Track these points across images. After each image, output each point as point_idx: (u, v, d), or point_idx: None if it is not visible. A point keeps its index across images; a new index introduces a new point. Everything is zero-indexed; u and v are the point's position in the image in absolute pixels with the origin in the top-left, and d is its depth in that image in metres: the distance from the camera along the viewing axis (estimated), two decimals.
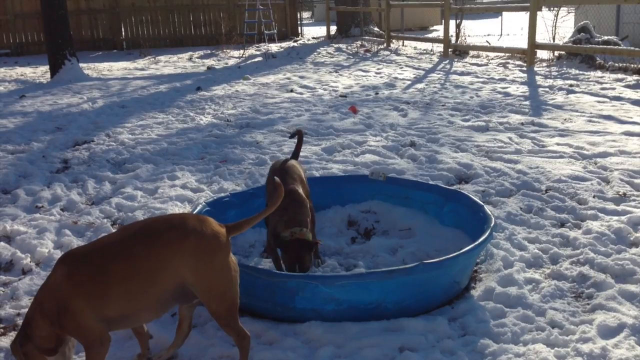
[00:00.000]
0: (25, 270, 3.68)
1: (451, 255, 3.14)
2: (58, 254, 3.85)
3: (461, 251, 3.19)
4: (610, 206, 4.45)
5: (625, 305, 3.14)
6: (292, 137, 4.44)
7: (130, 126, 7.78)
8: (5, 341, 2.92)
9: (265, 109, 8.63)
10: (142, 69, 14.50)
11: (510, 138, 6.52)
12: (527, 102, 8.48)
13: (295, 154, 4.10)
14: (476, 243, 3.28)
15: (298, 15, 22.45)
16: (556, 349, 2.79)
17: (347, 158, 5.95)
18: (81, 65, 14.81)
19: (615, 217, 4.23)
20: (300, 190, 3.57)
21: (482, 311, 3.15)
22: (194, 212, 3.79)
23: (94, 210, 4.68)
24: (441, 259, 3.12)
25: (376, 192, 4.47)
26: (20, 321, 3.08)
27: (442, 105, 8.57)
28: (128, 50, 19.54)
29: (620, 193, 4.70)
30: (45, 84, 11.88)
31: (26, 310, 3.15)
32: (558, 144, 6.19)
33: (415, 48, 16.90)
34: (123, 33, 20.24)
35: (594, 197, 4.64)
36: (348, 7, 20.30)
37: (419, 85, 10.57)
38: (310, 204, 3.66)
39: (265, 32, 18.84)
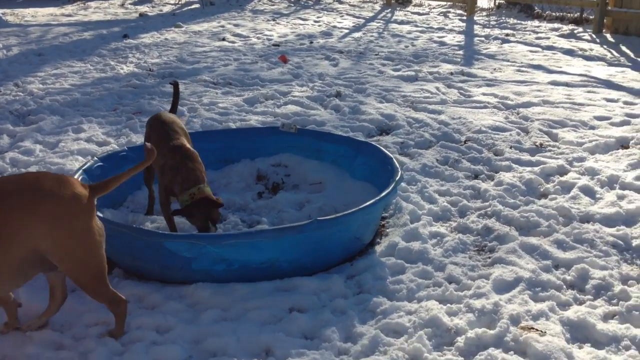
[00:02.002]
0: None
1: (348, 212, 2.99)
2: None
3: (359, 207, 3.04)
4: (526, 157, 4.38)
5: (524, 258, 3.06)
6: (171, 84, 4.01)
7: (43, 75, 7.29)
8: None
9: (192, 58, 8.23)
10: (69, 15, 13.70)
11: (437, 88, 6.38)
12: (460, 52, 8.35)
13: (174, 107, 3.86)
14: (376, 199, 3.13)
15: None
16: (448, 305, 2.69)
17: (268, 109, 5.70)
18: (3, 11, 13.94)
19: (529, 168, 4.16)
20: (186, 144, 3.33)
21: (381, 268, 3.02)
22: (83, 169, 3.52)
23: None
24: (336, 215, 2.96)
25: (288, 145, 4.27)
26: None
27: (376, 55, 8.36)
28: None
29: (537, 144, 4.64)
30: None
31: None
32: (484, 94, 6.09)
33: None
34: None
35: (510, 148, 4.56)
36: None
37: (356, 34, 10.30)
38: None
39: None
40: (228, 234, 2.90)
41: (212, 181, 4.06)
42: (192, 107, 5.82)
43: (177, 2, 15.67)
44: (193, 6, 15.05)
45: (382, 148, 3.92)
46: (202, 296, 2.76)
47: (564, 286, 2.85)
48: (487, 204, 3.68)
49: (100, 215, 2.92)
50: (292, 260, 2.92)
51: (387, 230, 3.48)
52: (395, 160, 3.66)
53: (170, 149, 3.24)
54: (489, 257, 3.13)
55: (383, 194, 3.21)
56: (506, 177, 4.03)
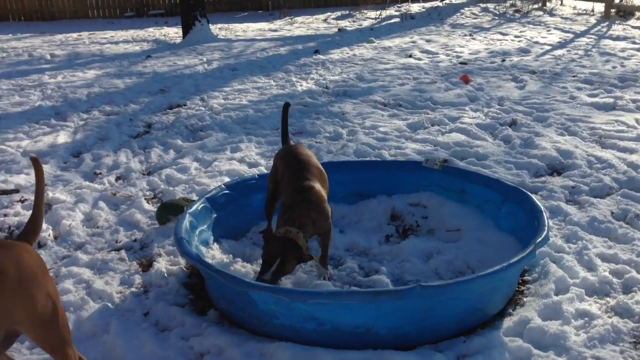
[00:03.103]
0: (41, 244, 3.62)
1: (461, 279, 2.52)
2: (79, 230, 3.75)
3: (479, 274, 2.55)
4: None
5: None
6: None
7: (228, 90, 7.65)
8: None
9: (370, 76, 8.06)
10: (276, 30, 14.45)
11: (637, 120, 5.40)
12: None
13: (284, 135, 3.58)
14: (504, 265, 2.60)
15: None
16: None
17: (429, 137, 5.28)
18: (219, 26, 15.19)
19: None
20: (318, 188, 3.02)
21: (500, 352, 2.49)
22: (206, 197, 3.46)
23: (142, 181, 4.55)
24: (445, 282, 2.51)
25: (430, 183, 3.84)
26: None
27: (573, 77, 7.42)
28: (272, 10, 19.63)
29: None
30: (176, 44, 12.24)
31: None
32: None
33: (574, 8, 15.08)
34: None
35: None
36: None
37: (558, 52, 9.32)
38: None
39: None
40: (316, 291, 2.60)
41: (343, 216, 3.81)
42: (352, 129, 5.62)
43: (377, 16, 15.72)
44: (393, 20, 14.97)
45: (532, 197, 3.31)
46: (282, 358, 2.49)
47: None
48: None
49: (196, 251, 2.81)
50: (391, 328, 2.54)
51: (524, 299, 2.90)
52: (545, 215, 3.06)
53: (298, 190, 2.98)
54: None
55: (515, 258, 2.67)
56: None
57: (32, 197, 4.21)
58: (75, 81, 8.61)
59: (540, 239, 2.80)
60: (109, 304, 2.91)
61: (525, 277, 3.06)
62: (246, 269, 3.17)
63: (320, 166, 3.26)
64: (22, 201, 4.23)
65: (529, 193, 3.39)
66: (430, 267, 3.20)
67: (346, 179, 3.91)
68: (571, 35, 11.02)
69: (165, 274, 3.16)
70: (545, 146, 4.82)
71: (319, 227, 2.95)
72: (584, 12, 14.31)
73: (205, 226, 3.39)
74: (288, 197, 3.00)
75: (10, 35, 15.19)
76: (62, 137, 5.77)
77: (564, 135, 5.14)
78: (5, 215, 3.98)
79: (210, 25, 12.97)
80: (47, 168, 4.91)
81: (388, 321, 2.53)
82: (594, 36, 10.84)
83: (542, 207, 3.17)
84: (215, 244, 3.40)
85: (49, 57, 11.06)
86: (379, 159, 4.68)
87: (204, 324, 2.73)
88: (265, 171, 4.58)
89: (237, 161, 4.90)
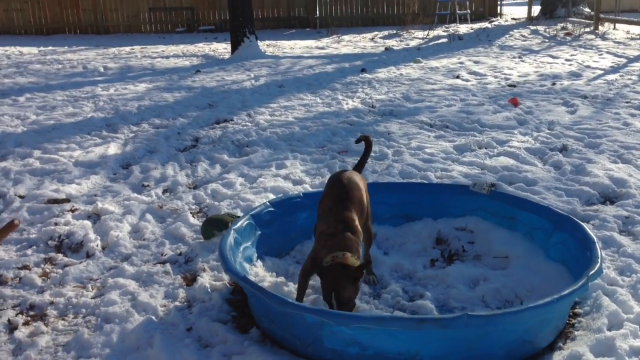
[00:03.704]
0: (89, 254, 3.68)
1: (510, 310, 2.45)
2: (125, 241, 3.81)
3: (529, 306, 2.47)
4: None
5: None
6: (357, 142, 3.65)
7: (274, 107, 7.72)
8: (25, 331, 2.87)
9: (417, 96, 8.02)
10: (323, 48, 14.56)
11: None
12: None
13: (360, 165, 3.46)
14: (555, 297, 2.52)
15: None
16: None
17: (476, 160, 5.19)
18: (267, 43, 15.40)
19: None
20: (356, 220, 2.97)
21: None
22: (251, 214, 3.47)
23: (188, 195, 4.61)
24: (494, 312, 2.44)
25: (477, 207, 3.76)
26: (51, 311, 3.04)
27: (626, 102, 7.22)
28: (320, 29, 19.81)
29: None
30: (225, 60, 12.44)
31: (62, 299, 3.13)
32: None
33: (628, 32, 14.75)
34: (317, 12, 20.58)
35: None
36: None
37: (611, 77, 9.10)
38: (369, 224, 3.13)
39: (457, 12, 17.86)
40: (360, 315, 2.56)
41: (387, 238, 3.78)
42: (398, 149, 5.57)
43: (425, 36, 15.67)
44: (440, 41, 14.90)
45: (584, 226, 3.21)
46: None
47: None
48: None
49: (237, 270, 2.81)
50: (435, 357, 2.48)
51: (575, 332, 2.80)
52: (597, 246, 2.96)
53: (338, 220, 2.93)
54: None
55: (567, 290, 2.58)
56: None
57: (84, 207, 4.33)
58: (126, 94, 8.83)
59: (593, 271, 2.71)
60: (153, 317, 2.93)
61: (576, 310, 2.95)
62: (289, 288, 3.16)
63: (363, 193, 3.16)
64: (72, 210, 4.32)
65: (580, 222, 3.29)
66: (477, 295, 3.13)
67: (392, 200, 3.88)
68: (624, 60, 10.76)
69: (209, 289, 3.17)
70: (597, 173, 4.69)
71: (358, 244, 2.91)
72: (638, 36, 13.98)
73: (250, 243, 3.40)
74: (330, 226, 2.93)
75: (66, 47, 15.72)
76: (113, 149, 5.90)
77: (617, 163, 4.99)
78: (56, 224, 4.07)
79: (258, 41, 13.15)
80: (97, 179, 5.03)
81: (433, 349, 2.47)
82: None
83: (594, 238, 3.06)
84: (258, 261, 3.40)
85: (102, 69, 11.39)
86: (425, 181, 4.62)
87: (246, 342, 2.72)
88: (310, 189, 4.59)
89: (282, 178, 4.91)
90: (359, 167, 3.43)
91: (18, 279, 3.38)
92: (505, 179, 4.70)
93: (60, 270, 3.47)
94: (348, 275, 2.70)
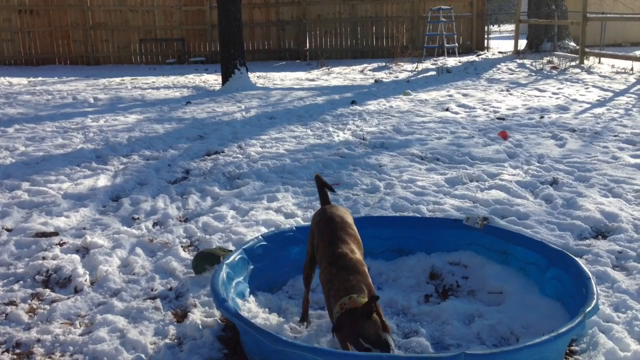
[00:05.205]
0: (78, 289, 3.61)
1: (507, 349, 2.42)
2: (115, 276, 3.74)
3: (525, 344, 2.44)
4: None
5: None
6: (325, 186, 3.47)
7: (265, 138, 7.72)
8: None
9: (407, 129, 8.06)
10: (313, 80, 14.66)
11: None
12: None
13: (325, 199, 3.38)
14: (551, 335, 2.49)
15: (486, 28, 21.26)
16: None
17: (468, 193, 5.20)
18: (257, 74, 15.49)
19: None
20: (352, 254, 2.90)
21: None
22: (244, 247, 3.44)
23: (178, 228, 4.56)
24: (491, 351, 2.41)
25: (471, 242, 3.75)
26: (38, 349, 2.96)
27: (614, 136, 7.30)
28: (310, 60, 19.99)
29: None
30: (215, 91, 12.48)
31: (49, 337, 3.05)
32: None
33: (613, 66, 14.99)
34: (307, 44, 20.78)
35: None
36: (540, 19, 18.74)
37: (598, 110, 9.22)
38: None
39: (446, 45, 18.12)
40: (354, 354, 2.51)
41: (380, 273, 3.74)
42: (390, 182, 5.57)
43: (414, 69, 15.85)
44: (429, 73, 15.06)
45: (579, 262, 3.21)
46: None
47: None
48: None
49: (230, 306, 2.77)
50: None
51: None
52: (593, 282, 2.95)
53: (330, 262, 2.87)
54: None
55: (565, 328, 2.56)
56: None
57: (72, 241, 4.27)
58: (116, 125, 8.81)
59: (590, 308, 2.69)
60: (143, 356, 2.87)
61: (572, 347, 2.92)
62: (280, 324, 3.12)
63: (353, 224, 3.13)
64: (60, 244, 4.26)
65: (575, 258, 3.28)
66: (472, 331, 3.09)
67: (385, 234, 3.86)
68: (610, 94, 10.92)
69: (200, 326, 3.12)
70: (588, 207, 4.70)
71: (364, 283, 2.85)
72: (623, 70, 14.21)
73: (242, 278, 3.36)
74: (326, 273, 2.87)
75: (56, 78, 15.71)
76: (102, 181, 5.85)
77: (608, 197, 5.01)
78: (44, 258, 4.00)
79: (249, 73, 13.22)
80: (86, 211, 4.97)
81: None
82: (634, 95, 10.72)
83: (589, 274, 3.05)
84: (251, 296, 3.35)
85: (92, 100, 11.38)
86: (418, 215, 4.61)
87: None
88: (302, 223, 4.55)
89: (274, 211, 4.88)
90: (324, 201, 3.36)
91: (4, 315, 3.30)
92: (497, 213, 4.70)
93: (47, 306, 3.40)
94: (361, 317, 2.56)
